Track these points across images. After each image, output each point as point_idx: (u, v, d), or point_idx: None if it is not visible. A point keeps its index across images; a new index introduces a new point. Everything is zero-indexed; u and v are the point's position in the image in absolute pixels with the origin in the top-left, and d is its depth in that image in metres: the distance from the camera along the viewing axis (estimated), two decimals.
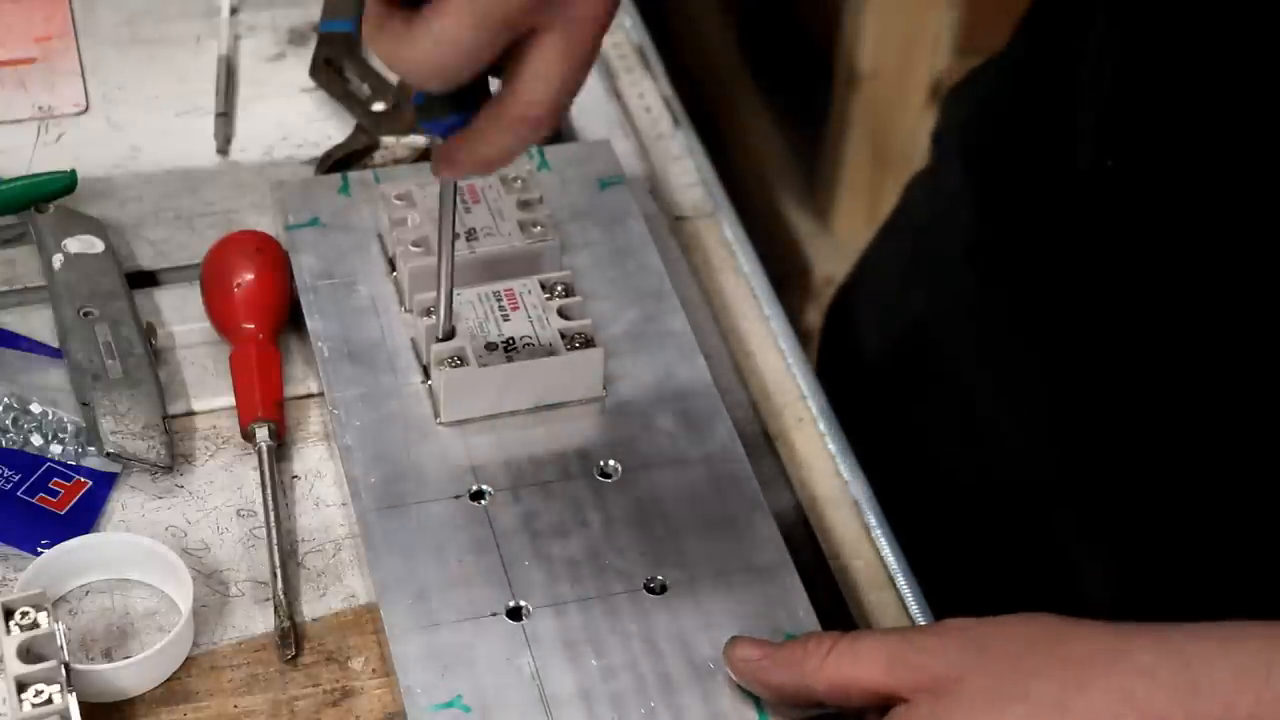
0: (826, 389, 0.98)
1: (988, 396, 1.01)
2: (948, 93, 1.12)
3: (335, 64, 1.09)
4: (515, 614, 0.82)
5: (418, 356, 0.92)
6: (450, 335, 0.89)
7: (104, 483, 0.89)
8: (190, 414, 0.93)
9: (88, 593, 0.85)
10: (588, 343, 0.90)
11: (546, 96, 0.73)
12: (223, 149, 1.07)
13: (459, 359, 0.89)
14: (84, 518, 0.88)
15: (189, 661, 0.83)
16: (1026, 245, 0.96)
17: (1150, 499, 0.89)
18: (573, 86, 0.74)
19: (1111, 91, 0.86)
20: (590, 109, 1.11)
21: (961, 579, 0.95)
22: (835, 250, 2.08)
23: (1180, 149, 0.83)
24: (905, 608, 0.88)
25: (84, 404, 0.90)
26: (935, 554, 0.93)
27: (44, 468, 0.90)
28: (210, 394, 0.94)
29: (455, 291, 0.90)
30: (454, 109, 0.75)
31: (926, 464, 1.06)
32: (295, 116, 1.09)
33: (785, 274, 2.08)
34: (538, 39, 0.72)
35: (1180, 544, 0.89)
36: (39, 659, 0.78)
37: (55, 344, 0.95)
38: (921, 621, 0.87)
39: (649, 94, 1.14)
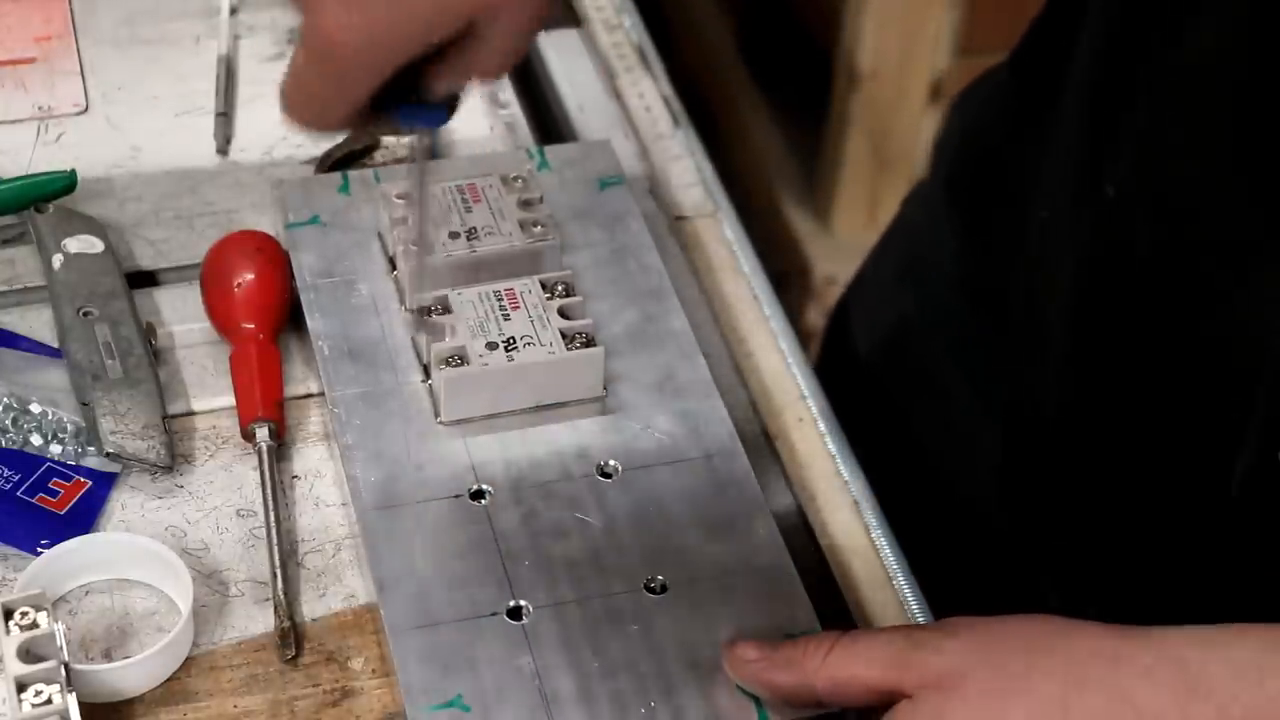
0: (826, 389, 0.98)
1: (977, 406, 1.01)
2: (951, 104, 1.12)
3: None
4: (515, 614, 0.82)
5: (418, 356, 0.92)
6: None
7: (104, 483, 0.89)
8: (190, 414, 0.93)
9: (87, 593, 0.85)
10: (588, 342, 0.90)
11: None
12: (222, 149, 1.07)
13: (459, 358, 0.89)
14: (84, 518, 0.88)
15: (189, 661, 0.83)
16: (1009, 266, 0.96)
17: (1132, 500, 0.89)
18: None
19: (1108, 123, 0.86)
20: (590, 109, 1.11)
21: (961, 578, 0.95)
22: (835, 250, 2.08)
23: (1170, 183, 0.82)
24: (905, 607, 0.88)
25: (84, 404, 0.90)
26: (935, 554, 0.93)
27: (44, 468, 0.89)
28: (210, 394, 0.94)
29: (456, 291, 0.90)
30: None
31: (926, 464, 1.06)
32: None
33: (785, 274, 2.09)
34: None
35: (1163, 543, 0.89)
36: (39, 659, 0.78)
37: (55, 344, 0.95)
38: (921, 621, 0.87)
39: (649, 94, 1.14)
